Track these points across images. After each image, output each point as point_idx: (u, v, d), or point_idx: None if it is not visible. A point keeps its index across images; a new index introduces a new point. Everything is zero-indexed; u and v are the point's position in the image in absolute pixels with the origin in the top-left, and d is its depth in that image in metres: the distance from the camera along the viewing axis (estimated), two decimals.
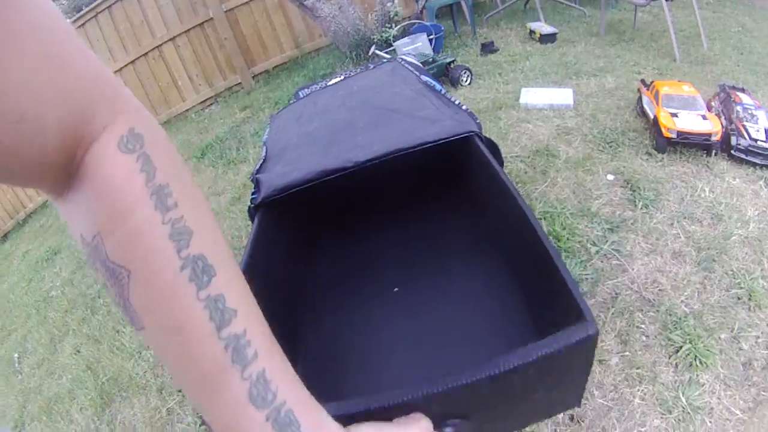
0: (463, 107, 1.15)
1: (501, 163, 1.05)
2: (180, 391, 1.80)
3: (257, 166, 1.17)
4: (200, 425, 1.63)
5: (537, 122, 2.50)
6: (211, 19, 4.64)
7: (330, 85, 1.57)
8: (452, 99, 1.21)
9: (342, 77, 1.58)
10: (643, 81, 2.52)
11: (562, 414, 1.39)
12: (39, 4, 0.27)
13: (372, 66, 1.63)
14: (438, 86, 1.33)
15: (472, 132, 1.01)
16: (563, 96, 2.58)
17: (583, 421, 1.35)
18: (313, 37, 4.93)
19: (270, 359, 0.31)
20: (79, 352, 2.32)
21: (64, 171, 0.29)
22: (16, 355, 2.69)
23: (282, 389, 0.31)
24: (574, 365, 0.53)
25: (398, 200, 1.31)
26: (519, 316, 0.86)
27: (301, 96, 1.59)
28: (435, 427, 0.43)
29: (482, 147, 0.99)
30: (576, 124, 2.43)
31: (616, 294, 1.62)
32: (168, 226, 0.29)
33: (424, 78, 1.38)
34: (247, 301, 0.32)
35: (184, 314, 0.29)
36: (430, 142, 0.97)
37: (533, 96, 2.64)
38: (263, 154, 1.25)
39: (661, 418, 1.32)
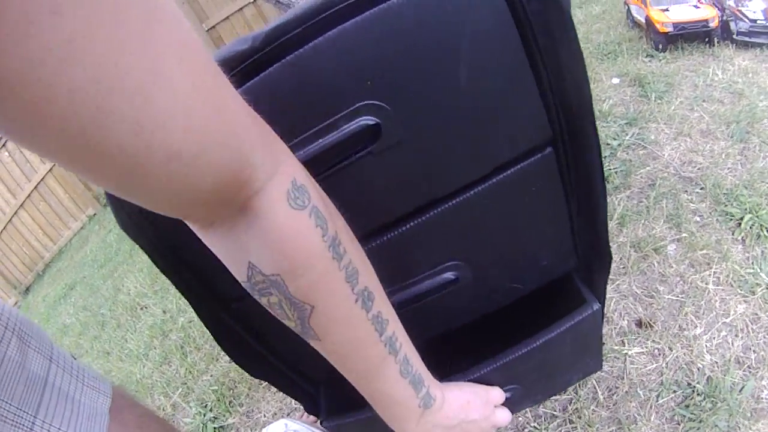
0: None
1: None
2: (185, 383, 1.54)
3: None
4: (204, 415, 1.37)
5: None
6: None
7: None
8: None
9: None
10: None
11: (626, 321, 1.10)
12: (185, 26, 0.22)
13: None
14: None
15: None
16: None
17: (653, 325, 1.06)
18: None
19: (407, 345, 0.40)
20: None
21: (219, 208, 0.28)
22: None
23: (414, 363, 0.40)
24: (584, 337, 0.62)
25: None
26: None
27: None
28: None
29: None
30: None
31: (653, 181, 1.35)
32: (344, 272, 0.32)
33: None
34: (390, 309, 0.38)
35: (358, 331, 0.35)
36: None
37: None
38: None
39: (745, 301, 1.03)
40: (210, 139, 0.24)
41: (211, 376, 1.50)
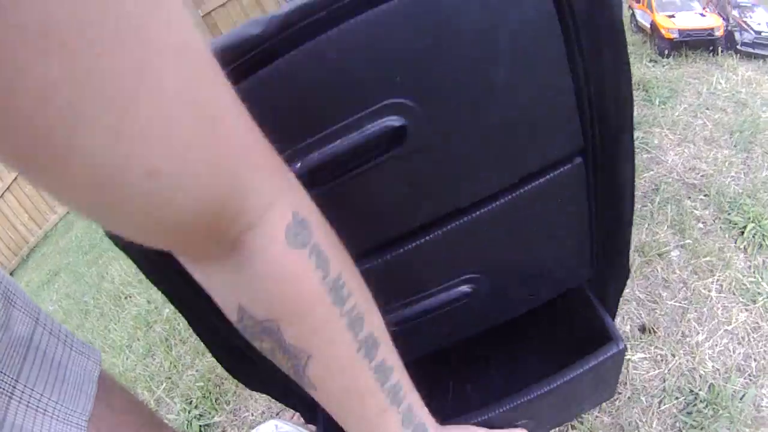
0: None
1: None
2: (169, 378, 1.49)
3: None
4: (189, 412, 1.32)
5: None
6: None
7: None
8: None
9: None
10: None
11: (629, 326, 1.08)
12: (186, 24, 0.19)
13: None
14: None
15: None
16: None
17: (656, 330, 1.04)
18: None
19: (412, 393, 0.35)
20: None
21: (207, 241, 0.24)
22: None
23: (417, 412, 0.35)
24: (605, 375, 0.58)
25: None
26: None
27: None
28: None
29: None
30: None
31: (656, 186, 1.34)
32: (345, 317, 0.28)
33: None
34: (395, 355, 0.33)
35: (358, 381, 0.31)
36: None
37: None
38: None
39: (747, 310, 1.02)
40: (197, 157, 0.20)
41: (197, 371, 1.45)
